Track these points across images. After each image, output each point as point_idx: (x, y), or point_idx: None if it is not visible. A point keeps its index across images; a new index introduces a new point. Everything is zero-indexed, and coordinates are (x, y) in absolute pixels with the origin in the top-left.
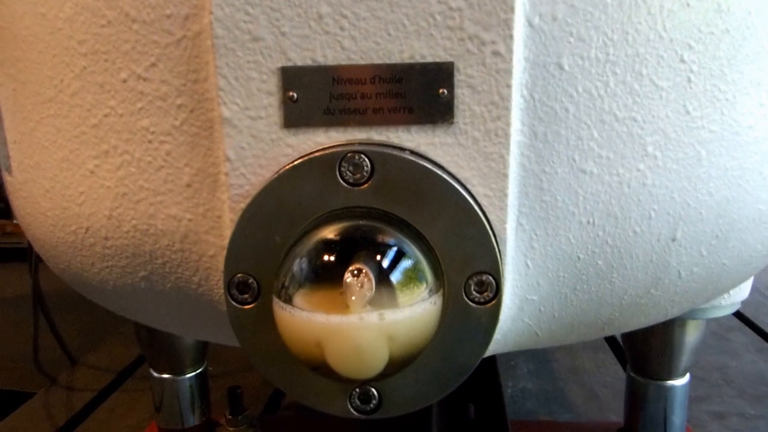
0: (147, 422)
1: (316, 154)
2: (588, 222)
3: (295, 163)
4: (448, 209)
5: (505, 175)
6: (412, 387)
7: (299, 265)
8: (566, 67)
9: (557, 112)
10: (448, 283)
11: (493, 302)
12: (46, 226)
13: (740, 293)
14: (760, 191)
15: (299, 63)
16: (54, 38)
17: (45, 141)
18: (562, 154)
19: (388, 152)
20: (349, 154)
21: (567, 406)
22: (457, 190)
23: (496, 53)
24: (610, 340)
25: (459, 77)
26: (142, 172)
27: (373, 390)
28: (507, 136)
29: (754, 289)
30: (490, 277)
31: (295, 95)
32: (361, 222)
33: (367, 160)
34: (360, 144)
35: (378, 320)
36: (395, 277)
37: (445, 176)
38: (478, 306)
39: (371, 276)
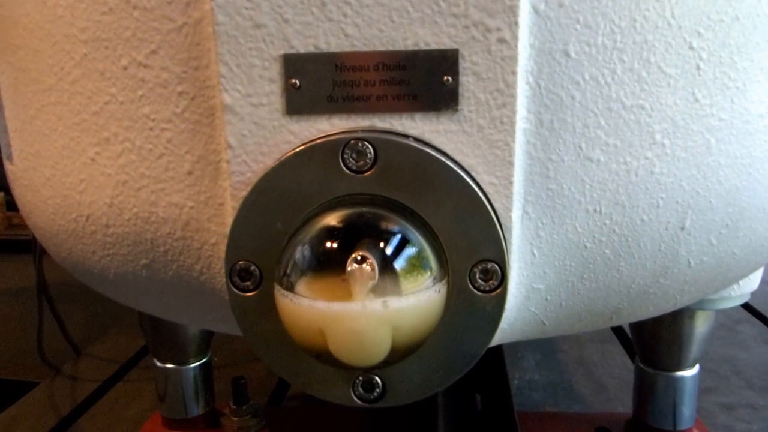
0: (150, 412)
1: (319, 141)
2: (595, 210)
3: (298, 150)
4: (453, 197)
5: (511, 163)
6: (416, 376)
7: (301, 252)
8: (573, 55)
9: (563, 99)
10: (452, 270)
11: (499, 290)
12: (47, 214)
13: (750, 284)
14: None
15: (302, 50)
16: (54, 26)
17: (46, 129)
18: (569, 142)
19: (392, 139)
20: (352, 141)
21: (574, 398)
22: (462, 177)
23: (501, 40)
24: (618, 331)
25: (464, 64)
26: (143, 160)
27: (377, 378)
28: (512, 123)
29: (763, 281)
30: (496, 265)
31: (297, 82)
32: (364, 209)
33: (370, 147)
34: (363, 131)
35: (381, 308)
36: (399, 264)
37: (449, 163)
38: (484, 294)
39: (375, 263)
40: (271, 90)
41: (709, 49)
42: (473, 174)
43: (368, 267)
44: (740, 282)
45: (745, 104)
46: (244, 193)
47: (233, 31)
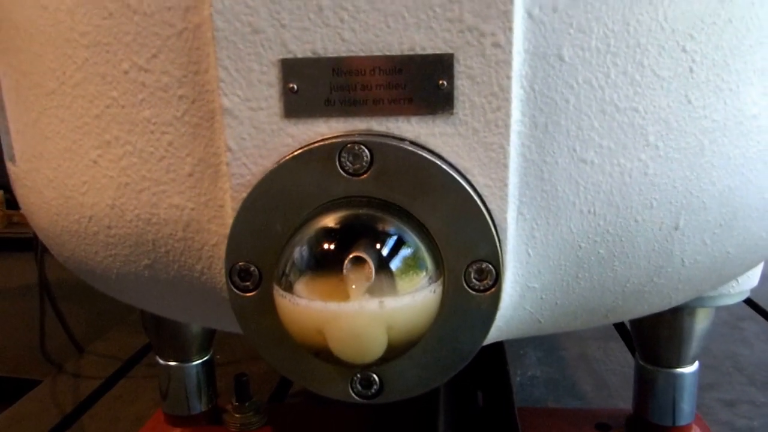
0: (153, 409)
1: (316, 144)
2: (589, 211)
3: (296, 153)
4: (448, 198)
5: (506, 165)
6: (412, 372)
7: (299, 253)
8: (567, 59)
9: (558, 102)
10: (448, 270)
11: (493, 290)
12: (49, 215)
13: (749, 281)
14: (764, 180)
15: (299, 55)
16: (56, 30)
17: (48, 131)
18: (563, 144)
19: (387, 142)
20: (348, 145)
21: (576, 394)
22: (457, 179)
23: (495, 45)
24: (620, 328)
25: (459, 68)
26: (145, 162)
27: (375, 375)
28: (507, 126)
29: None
30: (490, 265)
31: (295, 86)
32: (360, 211)
33: (366, 150)
34: (360, 134)
35: (378, 308)
36: (395, 264)
37: (444, 166)
38: (478, 293)
39: (371, 264)
40: (269, 94)
41: (701, 51)
42: (468, 176)
43: (365, 268)
44: (739, 279)
45: (738, 105)
46: (244, 195)
47: (232, 36)
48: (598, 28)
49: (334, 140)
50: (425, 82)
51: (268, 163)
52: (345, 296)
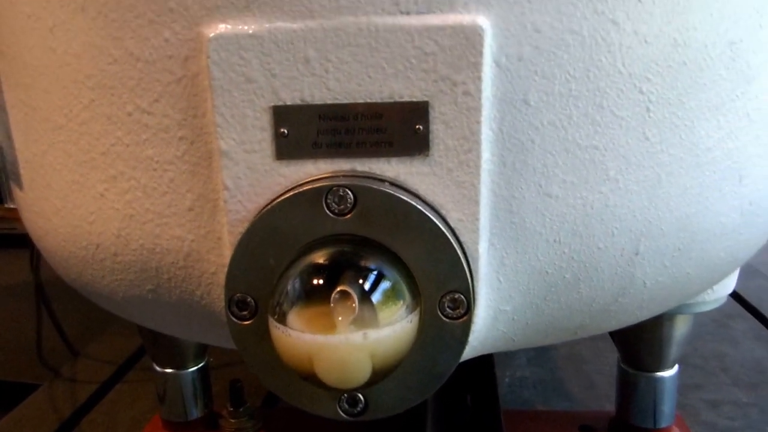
0: (150, 413)
1: (305, 187)
2: (555, 240)
3: (287, 195)
4: (424, 235)
5: (477, 202)
6: (394, 393)
7: (291, 286)
8: (532, 103)
9: (524, 143)
10: (424, 301)
11: (465, 317)
12: (57, 240)
13: (725, 288)
14: (720, 206)
15: (289, 102)
16: (63, 71)
17: (56, 164)
18: (530, 181)
19: (369, 185)
20: (334, 188)
21: (564, 395)
22: (432, 217)
23: (466, 93)
24: None
25: (433, 114)
26: (148, 197)
27: (360, 395)
28: (478, 166)
29: (759, 274)
30: (462, 296)
31: (286, 131)
32: (345, 248)
33: (350, 193)
34: (344, 176)
35: (362, 339)
36: (376, 298)
37: (421, 205)
38: (452, 321)
39: (355, 298)
40: (262, 138)
41: (657, 92)
42: (443, 212)
43: (349, 301)
44: (715, 287)
45: (693, 140)
46: (240, 230)
47: (227, 85)
48: (561, 75)
49: (321, 183)
50: (403, 127)
51: (262, 200)
52: (332, 328)
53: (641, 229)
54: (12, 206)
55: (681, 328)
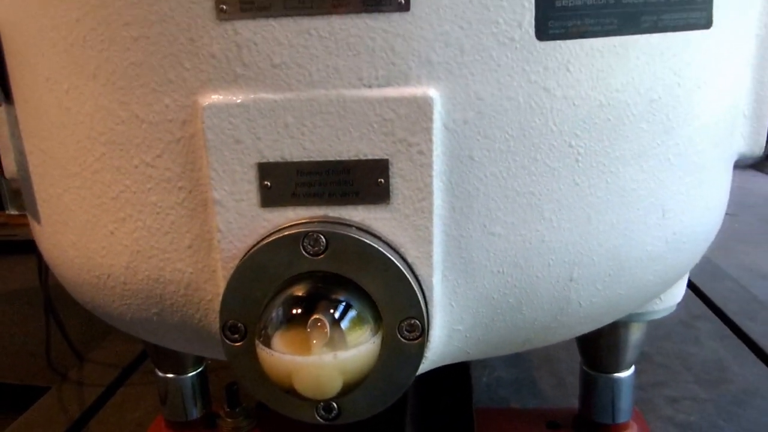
0: (153, 415)
1: (285, 232)
2: (499, 271)
3: (270, 239)
4: (385, 271)
5: (431, 242)
6: (362, 401)
7: (275, 314)
8: (476, 158)
9: (470, 191)
10: (385, 326)
11: (420, 339)
12: (72, 269)
13: (673, 298)
14: (646, 237)
15: (271, 159)
16: (77, 128)
17: (72, 205)
18: (476, 222)
19: (338, 231)
20: (309, 233)
21: (536, 393)
22: (392, 256)
23: (420, 152)
24: None
25: (393, 170)
26: (153, 236)
27: (334, 403)
28: (431, 212)
29: (727, 277)
30: (417, 321)
31: (269, 183)
32: (319, 283)
33: (323, 237)
34: (318, 222)
35: (333, 359)
36: (345, 324)
37: (382, 246)
38: (409, 342)
39: (327, 324)
40: (249, 189)
41: (585, 145)
42: (402, 251)
43: (323, 327)
44: (662, 297)
45: (618, 183)
46: (232, 265)
47: (219, 145)
48: (500, 134)
49: (298, 229)
50: (368, 180)
51: (250, 241)
52: (308, 349)
53: (574, 260)
54: (13, 212)
55: (635, 333)
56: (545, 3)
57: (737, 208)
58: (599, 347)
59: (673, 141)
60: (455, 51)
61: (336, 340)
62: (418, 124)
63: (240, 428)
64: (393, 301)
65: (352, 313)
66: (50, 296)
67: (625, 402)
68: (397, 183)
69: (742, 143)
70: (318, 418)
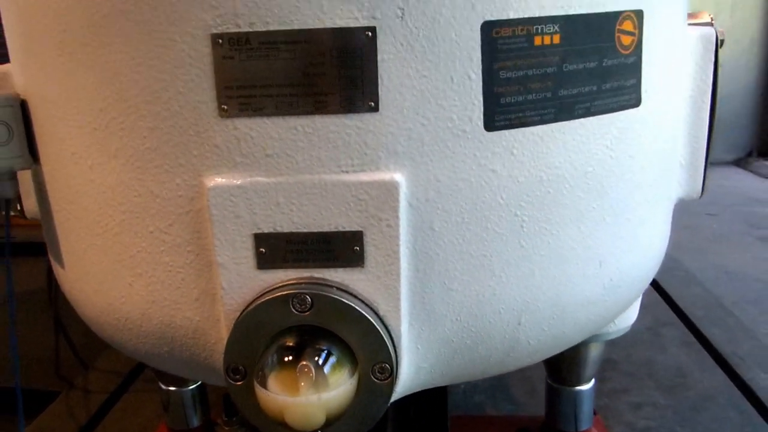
0: (154, 421)
1: (277, 293)
2: (456, 319)
3: (265, 298)
4: (361, 323)
5: (399, 298)
6: (342, 429)
7: (269, 360)
8: (436, 229)
9: (431, 256)
10: (360, 369)
11: (389, 379)
12: (95, 311)
13: (626, 320)
14: (585, 285)
15: (266, 231)
16: (100, 197)
17: (94, 259)
18: (436, 281)
19: (322, 292)
20: (297, 294)
21: (509, 400)
22: (365, 312)
23: (389, 225)
24: None
25: (366, 239)
26: (165, 289)
27: (319, 431)
28: (398, 274)
29: (697, 282)
30: (387, 365)
31: (264, 250)
32: (305, 335)
33: (309, 298)
34: (305, 283)
35: (317, 399)
36: (327, 368)
37: (358, 303)
38: (380, 381)
39: (312, 371)
40: (247, 254)
41: (529, 214)
42: (374, 306)
43: (309, 372)
44: (616, 321)
45: (559, 243)
46: (233, 317)
47: (222, 219)
48: (456, 209)
49: (288, 291)
50: (346, 248)
51: (248, 297)
52: (297, 390)
53: (521, 308)
54: (13, 213)
55: (594, 351)
56: (491, 100)
57: (718, 208)
58: (562, 363)
59: (608, 203)
60: (417, 143)
61: (320, 383)
62: (387, 203)
63: None
64: (367, 348)
65: (332, 359)
66: (59, 311)
67: (587, 411)
68: (371, 250)
69: (680, 190)
70: None
